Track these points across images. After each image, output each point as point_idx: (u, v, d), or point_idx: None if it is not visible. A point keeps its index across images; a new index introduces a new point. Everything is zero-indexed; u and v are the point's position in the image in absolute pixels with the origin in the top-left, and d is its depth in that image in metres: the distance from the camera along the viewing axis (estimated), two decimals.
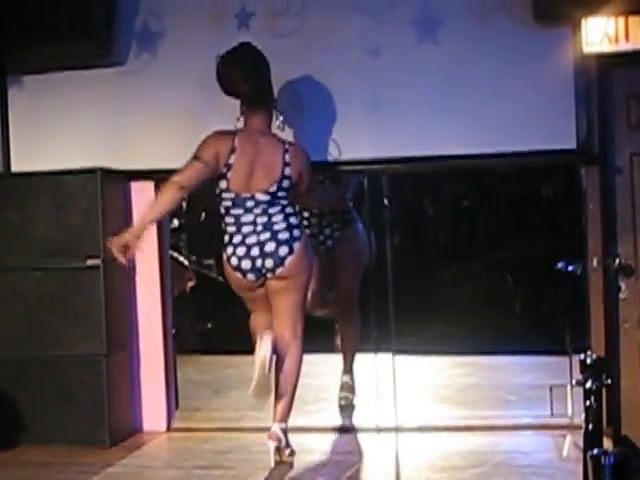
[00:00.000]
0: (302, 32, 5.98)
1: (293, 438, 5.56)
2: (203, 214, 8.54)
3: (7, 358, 6.07)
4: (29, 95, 5.75)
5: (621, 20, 5.37)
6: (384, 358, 6.64)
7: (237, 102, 5.69)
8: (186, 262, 8.14)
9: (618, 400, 5.50)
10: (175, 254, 6.77)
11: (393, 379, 6.39)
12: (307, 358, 5.75)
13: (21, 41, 5.60)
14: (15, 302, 5.91)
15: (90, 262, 5.72)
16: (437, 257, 8.27)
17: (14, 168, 6.13)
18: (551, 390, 6.07)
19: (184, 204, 7.07)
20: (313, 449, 5.83)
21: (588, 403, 3.99)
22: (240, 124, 5.31)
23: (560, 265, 5.87)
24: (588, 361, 4.04)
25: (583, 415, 3.97)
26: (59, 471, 5.46)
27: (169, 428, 6.43)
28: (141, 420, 6.41)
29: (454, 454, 5.58)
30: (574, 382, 5.29)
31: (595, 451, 3.79)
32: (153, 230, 6.10)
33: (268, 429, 5.80)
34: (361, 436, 6.20)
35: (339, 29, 5.92)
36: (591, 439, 3.94)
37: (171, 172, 5.77)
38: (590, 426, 3.99)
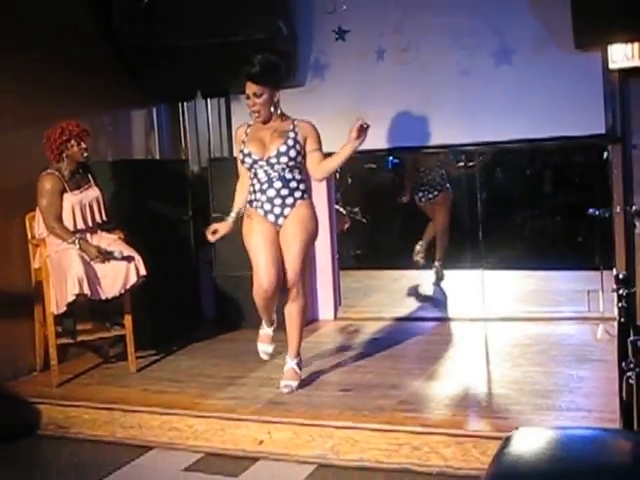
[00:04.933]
0: (418, 61, 6.30)
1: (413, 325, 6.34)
2: (349, 179, 8.76)
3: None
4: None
5: (635, 45, 5.51)
6: (475, 273, 7.03)
7: (376, 104, 6.13)
8: (343, 210, 8.48)
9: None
10: (336, 206, 7.28)
11: (482, 287, 6.79)
12: None
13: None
14: None
15: None
16: (513, 207, 8.48)
17: None
18: (588, 294, 6.34)
19: (337, 173, 7.12)
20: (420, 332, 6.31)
21: (621, 304, 3.73)
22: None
23: (592, 210, 6.00)
24: (620, 276, 3.80)
25: (616, 311, 3.72)
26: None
27: (335, 317, 6.95)
28: (317, 312, 6.97)
29: (523, 336, 5.96)
30: (611, 289, 5.47)
31: (632, 337, 3.64)
32: (324, 190, 6.52)
33: (412, 319, 6.55)
34: (460, 324, 6.53)
35: (442, 58, 6.20)
36: (624, 328, 3.73)
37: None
38: (622, 319, 3.73)
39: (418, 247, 8.14)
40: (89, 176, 5.61)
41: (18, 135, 5.66)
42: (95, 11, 6.35)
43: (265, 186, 4.75)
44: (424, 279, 8.14)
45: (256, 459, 4.45)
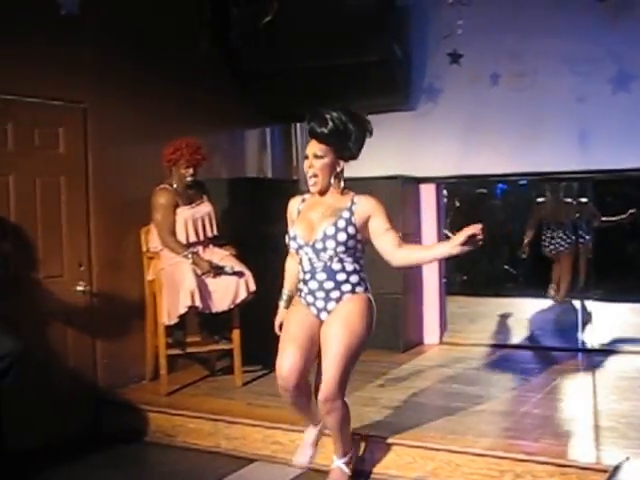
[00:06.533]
0: (533, 87, 6.29)
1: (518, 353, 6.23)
2: (457, 202, 8.65)
3: None
4: None
5: None
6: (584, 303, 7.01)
7: (489, 129, 6.20)
8: (452, 235, 8.18)
9: None
10: (445, 231, 7.18)
11: (591, 318, 6.78)
12: None
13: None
14: None
15: None
16: (625, 237, 8.27)
17: None
18: None
19: (445, 199, 7.15)
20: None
21: None
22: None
23: None
24: None
25: None
26: (374, 366, 5.84)
27: (440, 342, 6.95)
28: (422, 336, 6.95)
29: (632, 369, 5.86)
30: None
31: None
32: (433, 214, 6.58)
33: (517, 347, 6.50)
34: (567, 354, 6.43)
35: (557, 84, 6.20)
36: None
37: (445, 178, 6.36)
38: None
39: (552, 291, 8.13)
40: (202, 192, 5.72)
41: (135, 150, 5.84)
42: (214, 32, 6.47)
43: (308, 276, 4.05)
44: (531, 308, 8.05)
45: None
